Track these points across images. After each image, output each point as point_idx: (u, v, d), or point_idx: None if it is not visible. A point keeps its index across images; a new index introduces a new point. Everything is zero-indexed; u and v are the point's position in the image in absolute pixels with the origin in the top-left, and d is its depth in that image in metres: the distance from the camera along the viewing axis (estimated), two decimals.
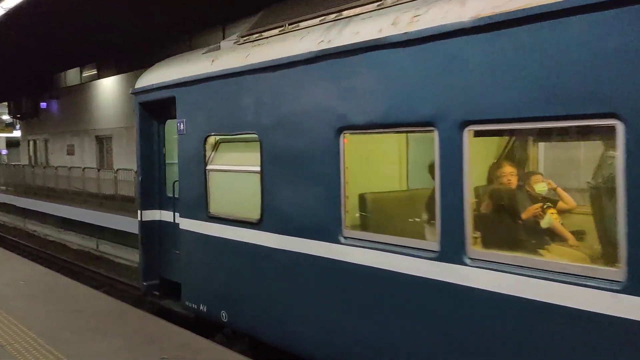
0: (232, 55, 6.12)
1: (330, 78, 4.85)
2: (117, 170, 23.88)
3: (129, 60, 25.68)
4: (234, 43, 6.48)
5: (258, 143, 5.69)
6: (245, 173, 5.98)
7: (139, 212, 7.79)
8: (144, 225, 7.76)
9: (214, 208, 6.38)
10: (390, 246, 4.43)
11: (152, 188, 7.80)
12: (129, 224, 18.38)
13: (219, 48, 6.71)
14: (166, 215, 7.69)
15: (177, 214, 7.08)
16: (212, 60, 6.37)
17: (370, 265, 4.55)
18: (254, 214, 5.79)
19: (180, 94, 6.79)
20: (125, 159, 27.55)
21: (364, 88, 4.56)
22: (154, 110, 7.72)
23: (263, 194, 5.61)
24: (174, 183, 7.11)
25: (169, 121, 7.68)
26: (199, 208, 6.52)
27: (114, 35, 21.29)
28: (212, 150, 6.46)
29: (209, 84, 6.31)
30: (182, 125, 6.77)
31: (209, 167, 6.40)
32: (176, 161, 7.67)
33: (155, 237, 7.82)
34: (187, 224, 6.76)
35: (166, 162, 7.77)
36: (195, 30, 20.71)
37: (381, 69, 4.42)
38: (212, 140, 6.47)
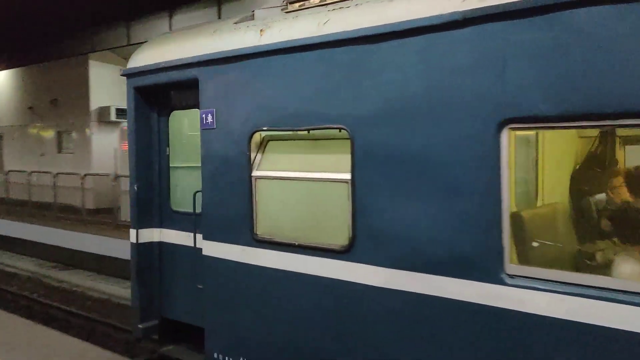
0: (293, 23, 4.53)
1: (486, 49, 3.42)
2: (8, 172, 21.51)
3: (23, 53, 23.14)
4: (282, 10, 4.89)
5: (347, 142, 4.16)
6: (321, 182, 4.41)
7: (133, 231, 5.93)
8: (141, 248, 5.91)
9: (264, 229, 4.74)
10: (611, 293, 3.06)
11: (150, 199, 5.97)
12: (21, 230, 16.91)
13: (252, 17, 5.08)
14: (170, 235, 5.90)
15: (198, 236, 5.33)
16: (261, 31, 4.73)
17: (569, 319, 3.16)
18: (338, 239, 4.25)
19: (206, 75, 5.08)
20: (19, 159, 25.05)
21: (560, 63, 3.17)
22: (156, 97, 5.91)
23: (355, 212, 4.07)
24: (194, 194, 5.36)
25: (176, 112, 5.91)
26: (239, 228, 4.85)
27: (5, 27, 18.98)
28: (261, 151, 4.82)
29: (258, 61, 4.67)
30: (209, 117, 5.06)
31: (256, 173, 4.75)
32: (184, 164, 5.97)
33: (154, 264, 6.00)
34: (217, 250, 5.05)
35: (170, 165, 5.98)
36: (95, 26, 19.00)
37: (597, 35, 3.06)
38: (261, 137, 4.83)
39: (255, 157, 4.79)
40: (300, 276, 4.43)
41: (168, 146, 5.93)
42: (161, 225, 5.99)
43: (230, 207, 4.92)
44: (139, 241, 5.88)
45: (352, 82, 4.07)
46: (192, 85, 5.33)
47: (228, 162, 4.93)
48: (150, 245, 5.97)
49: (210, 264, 5.12)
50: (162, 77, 5.52)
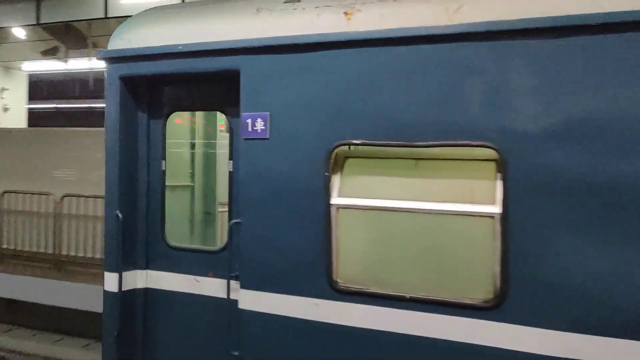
0: (400, 7, 3.47)
1: None
2: None
3: None
4: None
5: (487, 164, 3.23)
6: (446, 216, 3.36)
7: (111, 275, 4.25)
8: (124, 298, 4.27)
9: (350, 275, 3.55)
10: None
11: (135, 232, 4.38)
12: None
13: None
14: (165, 280, 4.36)
15: (232, 283, 3.93)
16: (347, 14, 3.59)
17: None
18: (472, 290, 3.25)
19: (255, 66, 3.76)
20: None
21: None
22: (151, 92, 4.38)
23: (508, 256, 3.12)
24: (231, 226, 3.94)
25: (175, 115, 4.44)
26: (307, 274, 3.60)
27: None
28: (338, 171, 3.64)
29: (346, 52, 3.52)
30: (260, 124, 3.75)
31: (338, 200, 3.56)
32: (185, 183, 4.54)
33: (137, 319, 4.39)
34: (268, 303, 3.71)
35: (167, 184, 4.45)
36: None
37: None
38: (343, 153, 3.66)
39: (336, 180, 3.60)
40: (415, 341, 3.33)
41: (164, 159, 4.40)
42: (148, 266, 4.42)
43: (292, 244, 3.65)
44: (123, 288, 4.24)
45: (507, 88, 3.14)
46: (218, 79, 3.99)
47: (290, 184, 3.66)
48: (132, 293, 4.36)
49: (254, 322, 3.76)
50: (172, 66, 4.04)
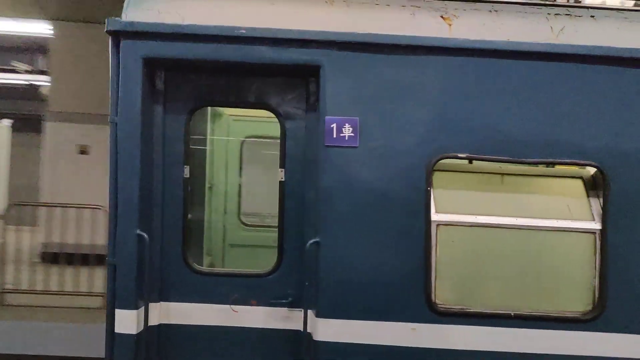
0: (500, 18, 3.40)
1: None
2: None
3: None
4: None
5: (577, 181, 3.42)
6: (543, 232, 3.39)
7: (128, 313, 3.29)
8: (141, 340, 3.35)
9: (450, 296, 3.36)
10: None
11: (151, 253, 3.47)
12: None
13: None
14: (188, 313, 3.55)
15: (310, 312, 3.37)
16: (445, 18, 3.39)
17: None
18: (573, 304, 3.38)
19: (341, 64, 3.30)
20: None
21: None
22: (167, 81, 3.51)
23: (607, 270, 3.32)
24: (308, 245, 3.34)
25: (203, 110, 3.67)
26: (402, 297, 3.31)
27: None
28: (434, 186, 3.40)
29: (446, 60, 3.32)
30: (348, 130, 3.30)
31: (437, 217, 3.34)
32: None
33: None
34: (352, 332, 3.29)
35: (191, 193, 3.62)
36: None
37: None
38: (445, 166, 3.42)
39: (435, 195, 3.37)
40: (519, 358, 3.32)
41: (187, 164, 3.57)
42: (162, 297, 3.54)
43: (384, 265, 3.31)
44: (149, 324, 3.33)
45: (613, 109, 3.33)
46: (271, 71, 3.43)
47: (383, 198, 3.31)
48: (146, 333, 3.45)
49: (337, 355, 3.31)
50: (222, 51, 3.29)
